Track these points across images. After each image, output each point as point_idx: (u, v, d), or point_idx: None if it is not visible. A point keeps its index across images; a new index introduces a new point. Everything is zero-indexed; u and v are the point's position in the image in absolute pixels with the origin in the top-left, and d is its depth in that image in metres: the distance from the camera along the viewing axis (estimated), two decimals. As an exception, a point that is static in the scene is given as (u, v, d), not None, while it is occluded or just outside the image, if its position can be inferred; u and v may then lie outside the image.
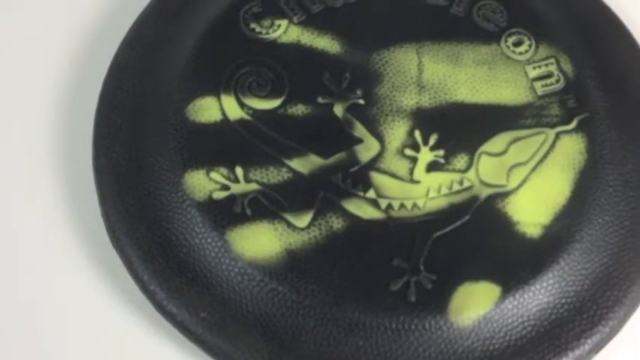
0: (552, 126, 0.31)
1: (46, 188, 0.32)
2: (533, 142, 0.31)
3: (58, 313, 0.29)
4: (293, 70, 0.32)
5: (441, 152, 0.31)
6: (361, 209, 0.30)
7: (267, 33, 0.33)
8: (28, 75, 0.34)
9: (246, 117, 0.31)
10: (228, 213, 0.29)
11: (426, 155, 0.31)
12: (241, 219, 0.29)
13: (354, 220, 0.29)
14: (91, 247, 0.31)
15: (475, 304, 0.28)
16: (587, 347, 0.28)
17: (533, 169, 0.31)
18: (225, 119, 0.31)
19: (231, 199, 0.30)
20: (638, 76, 0.33)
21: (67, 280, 0.30)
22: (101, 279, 0.30)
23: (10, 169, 0.32)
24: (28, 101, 0.34)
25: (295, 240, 0.29)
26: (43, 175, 0.32)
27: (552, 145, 0.31)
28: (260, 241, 0.29)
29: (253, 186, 0.30)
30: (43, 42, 0.35)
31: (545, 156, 0.31)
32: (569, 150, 0.31)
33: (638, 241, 0.30)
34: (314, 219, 0.29)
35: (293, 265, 0.29)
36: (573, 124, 0.32)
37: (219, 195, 0.30)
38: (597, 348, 0.28)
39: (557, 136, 0.31)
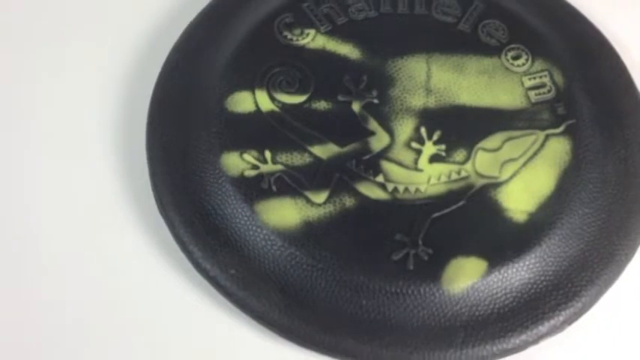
0: (543, 129, 0.35)
1: (107, 165, 0.36)
2: (525, 141, 0.35)
3: (113, 267, 0.34)
4: (318, 71, 0.37)
5: (443, 146, 0.35)
6: (370, 190, 0.34)
7: (298, 40, 0.37)
8: (99, 69, 0.39)
9: (276, 109, 0.36)
10: (256, 188, 0.34)
11: (429, 148, 0.35)
12: (267, 194, 0.33)
13: (364, 199, 0.33)
14: (143, 213, 0.35)
15: (465, 276, 0.32)
16: (561, 318, 0.32)
17: (524, 165, 0.34)
18: (258, 110, 0.35)
19: (260, 177, 0.34)
20: (621, 89, 0.37)
21: (122, 240, 0.34)
22: (149, 240, 0.34)
23: (79, 148, 0.37)
24: (96, 92, 0.38)
25: (312, 213, 0.33)
26: (105, 154, 0.37)
27: (542, 145, 0.35)
28: (282, 213, 0.33)
29: (279, 167, 0.34)
30: (110, 43, 0.39)
31: (534, 154, 0.35)
32: (557, 150, 0.35)
33: (612, 231, 0.34)
34: (329, 197, 0.33)
35: (310, 234, 0.33)
36: (561, 128, 0.35)
37: (250, 173, 0.34)
38: (570, 320, 0.32)
39: (547, 137, 0.35)
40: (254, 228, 0.33)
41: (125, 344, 0.32)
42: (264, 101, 0.36)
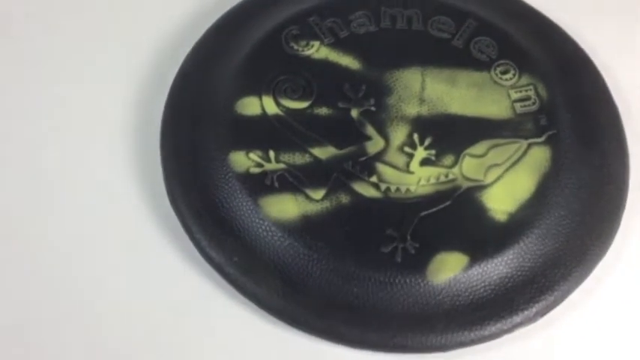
0: (526, 138, 0.38)
1: (125, 160, 0.39)
2: (509, 148, 0.38)
3: (128, 253, 0.37)
4: (321, 80, 0.39)
5: (433, 151, 0.37)
6: (365, 189, 0.36)
7: (303, 50, 0.40)
8: (121, 75, 0.42)
9: (281, 113, 0.38)
10: (260, 185, 0.36)
11: (420, 153, 0.37)
12: (270, 190, 0.36)
13: (358, 197, 0.36)
14: (156, 205, 0.38)
15: (447, 269, 0.35)
16: (534, 310, 0.34)
17: (507, 170, 0.37)
18: (264, 114, 0.38)
19: (264, 174, 0.37)
20: (599, 103, 0.40)
21: (136, 228, 0.37)
22: (161, 229, 0.37)
23: (101, 144, 0.40)
24: (118, 94, 0.41)
25: (311, 208, 0.36)
26: (124, 151, 0.39)
27: (524, 153, 0.37)
28: (283, 207, 0.36)
29: (281, 165, 0.37)
30: (131, 51, 0.42)
31: (517, 160, 0.37)
32: (538, 157, 0.37)
33: (585, 233, 0.36)
34: (327, 194, 0.36)
35: (307, 226, 0.35)
36: (543, 138, 0.38)
37: (255, 170, 0.37)
38: (543, 312, 0.35)
39: (529, 146, 0.38)
40: (257, 220, 0.36)
41: (135, 321, 0.35)
42: (270, 106, 0.39)
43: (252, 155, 0.37)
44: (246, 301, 0.35)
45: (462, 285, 0.35)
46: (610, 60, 0.42)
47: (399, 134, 0.38)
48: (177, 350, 0.35)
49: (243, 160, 0.37)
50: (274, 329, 0.35)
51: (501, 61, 0.40)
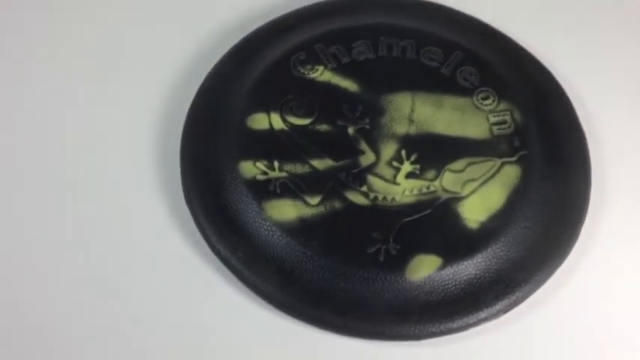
0: (500, 157, 0.42)
1: (149, 165, 0.44)
2: (484, 166, 0.42)
3: (147, 246, 0.41)
4: (323, 100, 0.43)
5: (418, 166, 0.42)
6: (356, 197, 0.41)
7: (308, 74, 0.45)
8: (148, 88, 0.46)
9: (286, 128, 0.43)
10: (265, 190, 0.41)
11: (406, 167, 0.42)
12: (273, 195, 0.41)
13: (349, 203, 0.40)
14: (173, 205, 0.42)
15: (423, 268, 0.39)
16: (497, 308, 0.39)
17: (481, 184, 0.41)
18: (271, 128, 0.43)
19: (268, 181, 0.41)
20: (568, 130, 0.44)
21: (155, 225, 0.42)
22: (177, 226, 0.42)
23: (127, 152, 0.44)
24: (145, 108, 0.46)
25: (307, 212, 0.40)
26: (146, 156, 0.44)
27: (498, 170, 0.41)
28: (283, 210, 0.40)
29: (284, 174, 0.41)
30: (157, 70, 0.47)
31: (491, 176, 0.41)
32: (509, 175, 0.41)
33: (547, 243, 0.40)
34: (322, 200, 0.40)
35: (303, 228, 0.40)
36: (515, 158, 0.42)
37: (261, 178, 0.41)
38: (505, 310, 0.39)
39: (503, 164, 0.42)
40: (260, 221, 0.40)
41: (151, 301, 0.40)
42: (276, 121, 0.43)
43: (258, 164, 0.42)
44: (247, 290, 0.40)
45: (436, 283, 0.39)
46: (581, 90, 0.46)
47: (388, 150, 0.42)
48: (187, 327, 0.39)
49: (251, 168, 0.42)
50: (270, 315, 0.39)
51: (483, 89, 0.44)
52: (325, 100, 0.44)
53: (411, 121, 0.44)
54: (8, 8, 0.50)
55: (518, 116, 0.44)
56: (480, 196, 0.41)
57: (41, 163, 0.45)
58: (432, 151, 0.43)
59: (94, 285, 0.41)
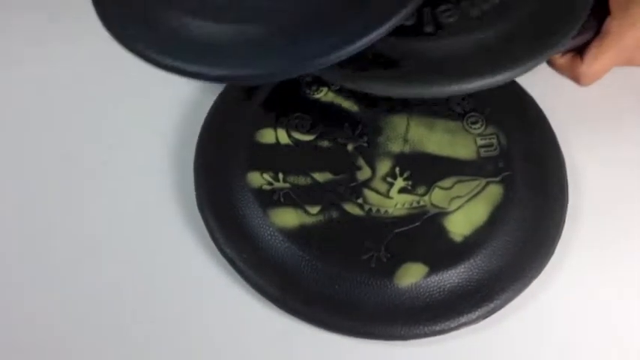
0: (485, 177, 0.45)
1: (164, 173, 0.48)
2: (470, 184, 0.45)
3: (162, 247, 0.45)
4: (326, 119, 0.47)
5: (410, 182, 0.45)
6: (352, 208, 0.44)
7: (313, 94, 0.49)
8: (166, 103, 0.51)
9: (291, 143, 0.46)
10: (269, 199, 0.45)
11: (399, 183, 0.45)
12: (277, 203, 0.44)
13: (346, 214, 0.44)
14: (186, 210, 0.46)
15: (411, 276, 0.42)
16: (477, 314, 0.42)
17: (467, 201, 0.45)
18: (278, 143, 0.46)
19: (273, 191, 0.45)
20: (548, 155, 0.47)
21: (169, 228, 0.46)
22: (189, 229, 0.46)
23: (145, 160, 0.49)
24: (163, 124, 0.50)
25: (307, 220, 0.44)
26: (163, 165, 0.48)
27: (482, 189, 0.45)
28: (286, 218, 0.44)
29: (287, 185, 0.45)
30: (177, 83, 0.50)
31: (476, 194, 0.45)
32: (493, 193, 0.45)
33: (524, 257, 0.43)
34: (321, 210, 0.44)
35: (303, 234, 0.43)
36: (499, 178, 0.45)
37: (266, 187, 0.45)
38: (484, 316, 0.42)
39: (487, 183, 0.45)
40: (264, 226, 0.44)
41: (164, 298, 0.44)
42: (282, 137, 0.47)
43: (265, 175, 0.45)
44: (251, 289, 0.43)
45: (422, 289, 0.42)
46: (564, 120, 0.49)
47: (383, 166, 0.46)
48: (195, 322, 0.43)
49: (258, 179, 0.45)
50: (270, 313, 0.43)
51: (472, 114, 0.48)
52: (328, 118, 0.48)
53: (405, 140, 0.47)
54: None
55: (503, 140, 0.47)
56: (465, 211, 0.45)
57: (63, 170, 0.49)
58: (424, 169, 0.46)
59: (115, 284, 0.45)
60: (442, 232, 0.44)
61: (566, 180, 0.47)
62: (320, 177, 0.46)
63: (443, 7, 0.45)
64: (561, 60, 0.52)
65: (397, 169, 0.46)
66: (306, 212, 0.45)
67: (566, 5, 0.46)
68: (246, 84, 0.46)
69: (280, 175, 0.46)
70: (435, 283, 0.43)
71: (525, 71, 0.44)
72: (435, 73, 0.43)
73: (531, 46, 0.44)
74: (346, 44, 0.40)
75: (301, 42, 0.40)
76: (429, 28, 0.43)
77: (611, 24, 0.48)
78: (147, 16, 0.43)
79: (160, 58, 0.41)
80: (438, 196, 0.45)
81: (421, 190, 0.46)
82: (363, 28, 0.40)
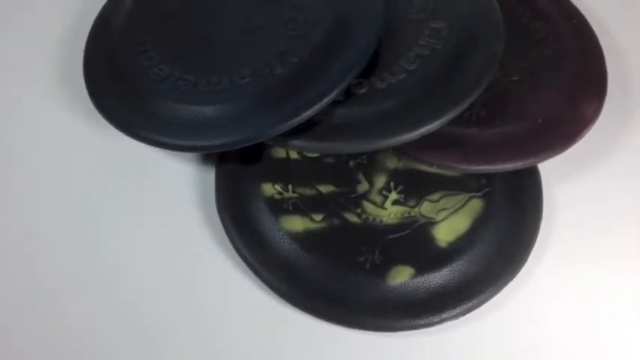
0: (468, 192, 0.50)
1: (189, 181, 0.51)
2: (455, 198, 0.50)
3: (183, 248, 0.49)
4: None
5: (402, 195, 0.50)
6: (351, 217, 0.49)
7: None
8: None
9: (299, 158, 0.51)
10: (280, 207, 0.49)
11: (393, 195, 0.50)
12: (286, 211, 0.49)
13: (345, 221, 0.49)
14: (207, 214, 0.50)
15: (400, 276, 0.47)
16: (457, 311, 0.46)
17: (452, 213, 0.49)
18: (288, 158, 0.51)
19: (283, 200, 0.49)
20: (527, 175, 0.51)
21: (191, 231, 0.48)
22: (209, 231, 0.50)
23: (169, 172, 0.53)
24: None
25: (312, 226, 0.49)
26: (187, 175, 0.52)
27: (465, 203, 0.50)
28: (293, 223, 0.49)
29: (295, 195, 0.50)
30: None
31: (460, 207, 0.50)
32: (474, 206, 0.50)
33: (500, 263, 0.47)
34: (324, 217, 0.49)
35: (308, 237, 0.48)
36: (481, 193, 0.50)
37: (277, 197, 0.50)
38: (464, 312, 0.46)
39: (470, 198, 0.50)
40: (274, 230, 0.49)
41: (183, 293, 0.49)
42: (293, 153, 0.52)
43: (276, 186, 0.51)
44: (262, 284, 0.48)
45: (409, 288, 0.48)
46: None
47: (380, 181, 0.51)
48: (213, 310, 0.49)
49: (270, 189, 0.51)
50: (278, 305, 0.48)
51: None
52: None
53: (399, 158, 0.54)
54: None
55: (486, 162, 0.53)
56: (450, 222, 0.50)
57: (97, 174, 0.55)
58: (415, 184, 0.51)
59: (137, 276, 0.50)
60: (429, 239, 0.49)
61: (542, 193, 0.52)
62: (324, 189, 0.51)
63: (356, 82, 0.49)
64: None
65: (392, 184, 0.51)
66: (311, 219, 0.50)
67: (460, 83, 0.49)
68: (215, 151, 0.52)
69: (290, 186, 0.51)
70: (422, 283, 0.48)
71: (423, 134, 0.47)
72: (345, 133, 0.48)
73: (429, 112, 0.48)
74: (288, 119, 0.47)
75: (249, 118, 0.48)
76: (340, 97, 0.48)
77: None
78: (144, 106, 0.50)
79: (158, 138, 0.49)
80: (426, 208, 0.51)
81: (412, 202, 0.51)
82: (304, 103, 0.47)
